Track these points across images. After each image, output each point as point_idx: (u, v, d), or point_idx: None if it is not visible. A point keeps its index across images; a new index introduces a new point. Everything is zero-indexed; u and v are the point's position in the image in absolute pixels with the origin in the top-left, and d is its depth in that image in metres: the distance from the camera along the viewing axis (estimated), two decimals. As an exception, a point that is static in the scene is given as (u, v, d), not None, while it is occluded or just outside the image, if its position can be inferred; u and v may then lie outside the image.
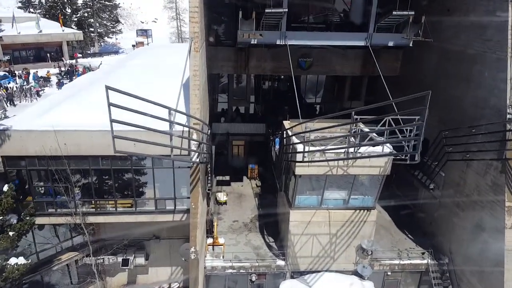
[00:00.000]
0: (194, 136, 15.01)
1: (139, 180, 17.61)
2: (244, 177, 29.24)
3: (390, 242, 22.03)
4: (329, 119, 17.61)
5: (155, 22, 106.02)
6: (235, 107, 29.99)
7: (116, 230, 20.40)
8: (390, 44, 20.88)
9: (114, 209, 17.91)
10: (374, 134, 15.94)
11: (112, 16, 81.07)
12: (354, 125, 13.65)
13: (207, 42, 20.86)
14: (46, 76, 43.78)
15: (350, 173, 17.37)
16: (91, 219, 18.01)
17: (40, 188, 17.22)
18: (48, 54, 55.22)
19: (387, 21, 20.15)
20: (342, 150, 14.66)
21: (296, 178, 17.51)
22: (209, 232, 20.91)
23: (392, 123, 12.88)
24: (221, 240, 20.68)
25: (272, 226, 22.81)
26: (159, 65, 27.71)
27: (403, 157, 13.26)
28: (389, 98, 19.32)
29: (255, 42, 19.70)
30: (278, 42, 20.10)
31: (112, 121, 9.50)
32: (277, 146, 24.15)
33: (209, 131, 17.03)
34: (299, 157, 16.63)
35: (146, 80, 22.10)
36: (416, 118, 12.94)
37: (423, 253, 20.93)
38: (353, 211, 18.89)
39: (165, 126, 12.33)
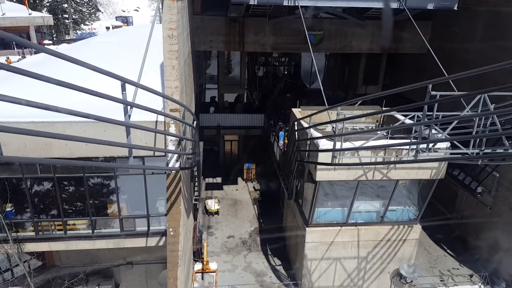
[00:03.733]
0: (172, 129, 10.02)
1: (96, 192, 12.54)
2: (239, 179, 24.39)
3: (427, 261, 17.44)
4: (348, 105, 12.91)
5: (137, 11, 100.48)
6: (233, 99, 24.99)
7: (74, 254, 15.41)
8: (430, 7, 16.12)
9: (62, 232, 12.81)
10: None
11: (91, 3, 75.25)
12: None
13: (190, 5, 15.79)
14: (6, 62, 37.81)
15: (391, 178, 12.59)
16: (31, 246, 12.89)
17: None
18: (13, 41, 49.05)
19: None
20: (407, 147, 9.75)
21: (317, 186, 12.68)
22: (197, 255, 16.00)
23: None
24: (212, 266, 15.76)
25: (278, 242, 17.98)
26: (133, 43, 22.40)
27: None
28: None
29: (255, 3, 14.70)
30: (285, 3, 15.10)
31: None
32: (281, 141, 19.40)
33: (194, 122, 12.12)
34: (322, 157, 11.79)
35: (114, 57, 16.90)
36: None
37: (471, 276, 16.40)
38: (390, 227, 14.20)
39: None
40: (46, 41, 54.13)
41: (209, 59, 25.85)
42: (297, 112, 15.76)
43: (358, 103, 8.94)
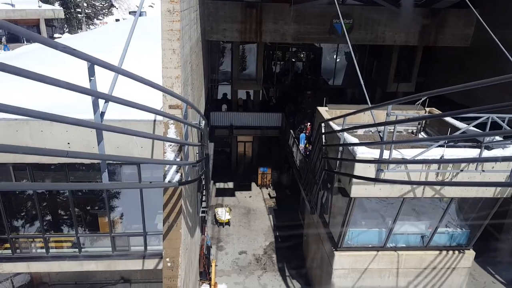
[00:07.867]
0: (171, 133, 7.79)
1: (83, 204, 10.42)
2: (253, 184, 22.12)
3: (473, 288, 14.89)
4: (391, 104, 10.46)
5: (152, 7, 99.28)
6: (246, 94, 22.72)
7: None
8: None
9: (44, 250, 10.74)
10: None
11: (106, -1, 74.21)
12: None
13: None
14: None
15: (445, 196, 10.12)
16: (6, 267, 10.85)
17: None
18: (23, 34, 47.71)
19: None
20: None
21: (351, 203, 10.31)
22: (204, 274, 13.79)
23: None
24: (222, 289, 13.59)
25: (297, 262, 15.67)
26: (140, 33, 20.30)
27: None
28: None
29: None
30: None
31: None
32: (301, 145, 17.09)
33: (203, 123, 9.91)
34: (360, 168, 9.42)
35: (113, 47, 14.80)
36: None
37: (527, 309, 13.82)
38: (437, 252, 11.72)
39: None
40: (56, 35, 52.79)
41: (223, 54, 23.72)
42: (324, 111, 13.40)
43: (421, 100, 6.53)
